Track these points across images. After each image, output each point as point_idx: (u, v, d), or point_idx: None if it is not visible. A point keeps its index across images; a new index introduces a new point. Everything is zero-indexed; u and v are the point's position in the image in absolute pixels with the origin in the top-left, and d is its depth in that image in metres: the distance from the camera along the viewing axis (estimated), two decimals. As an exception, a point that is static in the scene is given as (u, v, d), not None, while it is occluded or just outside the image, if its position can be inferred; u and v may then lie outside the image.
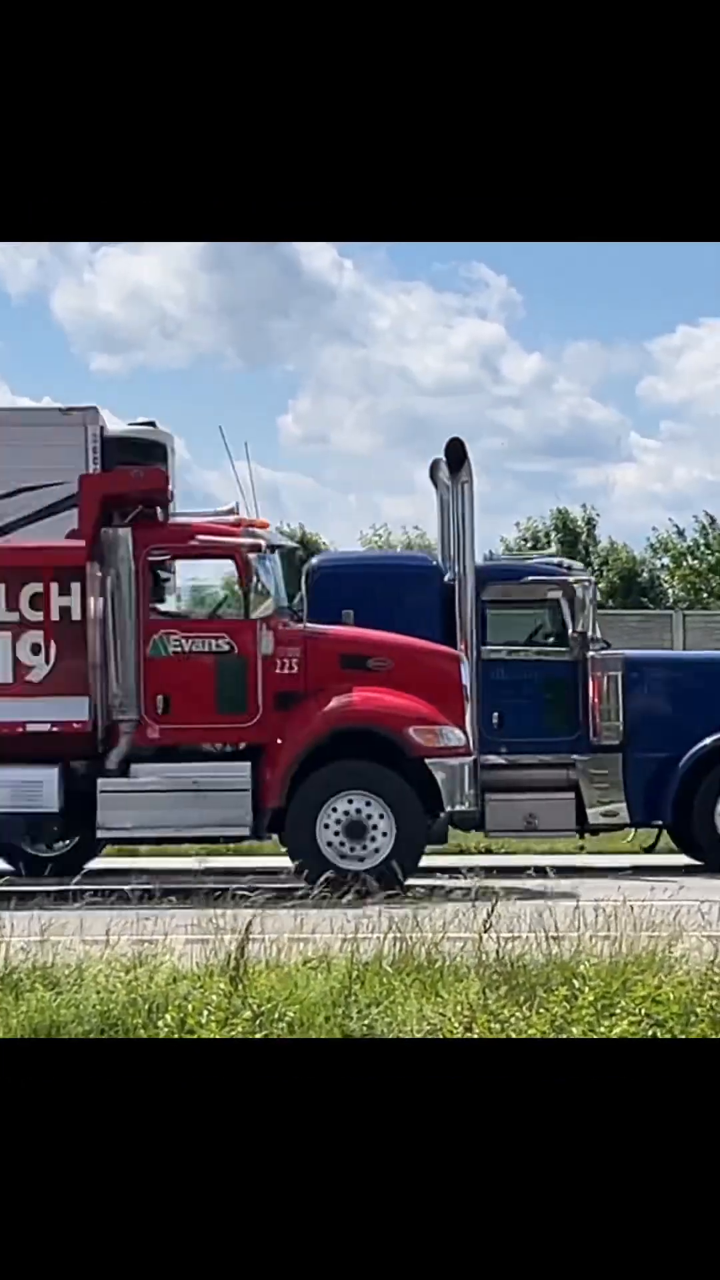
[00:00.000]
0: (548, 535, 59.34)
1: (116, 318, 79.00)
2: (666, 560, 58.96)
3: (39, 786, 16.17)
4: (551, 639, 19.12)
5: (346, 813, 16.37)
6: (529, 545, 58.19)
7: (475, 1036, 7.24)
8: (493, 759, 18.43)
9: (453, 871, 13.57)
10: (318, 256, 76.06)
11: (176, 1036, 7.59)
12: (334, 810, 16.34)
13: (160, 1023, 8.61)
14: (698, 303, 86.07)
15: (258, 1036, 8.30)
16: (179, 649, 16.59)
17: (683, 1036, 7.51)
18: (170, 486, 17.13)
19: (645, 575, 57.62)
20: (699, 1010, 8.22)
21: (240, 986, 9.36)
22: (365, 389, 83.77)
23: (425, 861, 16.85)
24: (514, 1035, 7.78)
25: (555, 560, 21.31)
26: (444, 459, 19.17)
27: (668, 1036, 7.45)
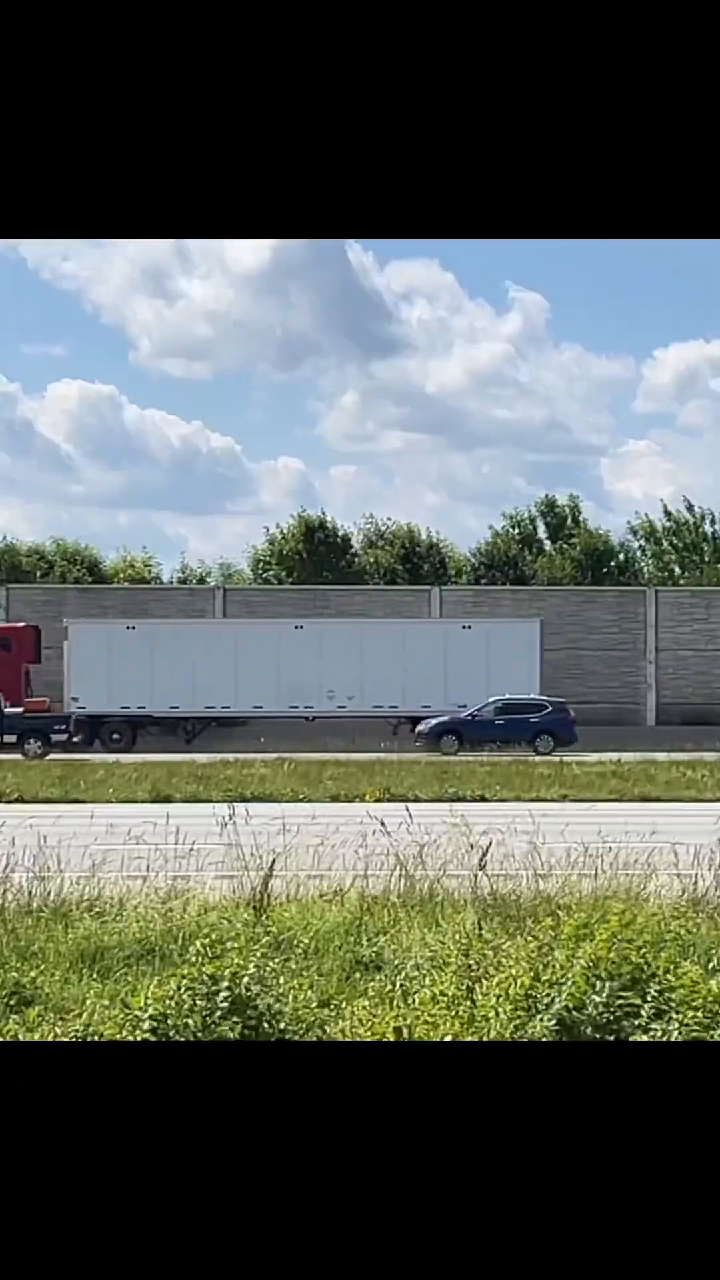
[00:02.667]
0: (533, 522, 59.21)
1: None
2: (643, 541, 58.84)
3: None
4: None
5: None
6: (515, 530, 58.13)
7: (475, 1040, 7.04)
8: None
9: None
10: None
11: (205, 963, 7.58)
12: None
13: (191, 949, 8.71)
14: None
15: (276, 961, 8.35)
16: None
17: (654, 963, 7.53)
18: None
19: (622, 556, 57.47)
20: (668, 937, 8.29)
21: (263, 916, 9.44)
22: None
23: (426, 806, 16.92)
24: (506, 961, 7.81)
25: None
26: None
27: (641, 961, 7.46)
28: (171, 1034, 7.08)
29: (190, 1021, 7.13)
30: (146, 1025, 7.07)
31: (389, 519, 57.81)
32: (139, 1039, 7.03)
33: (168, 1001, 7.21)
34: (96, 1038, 7.07)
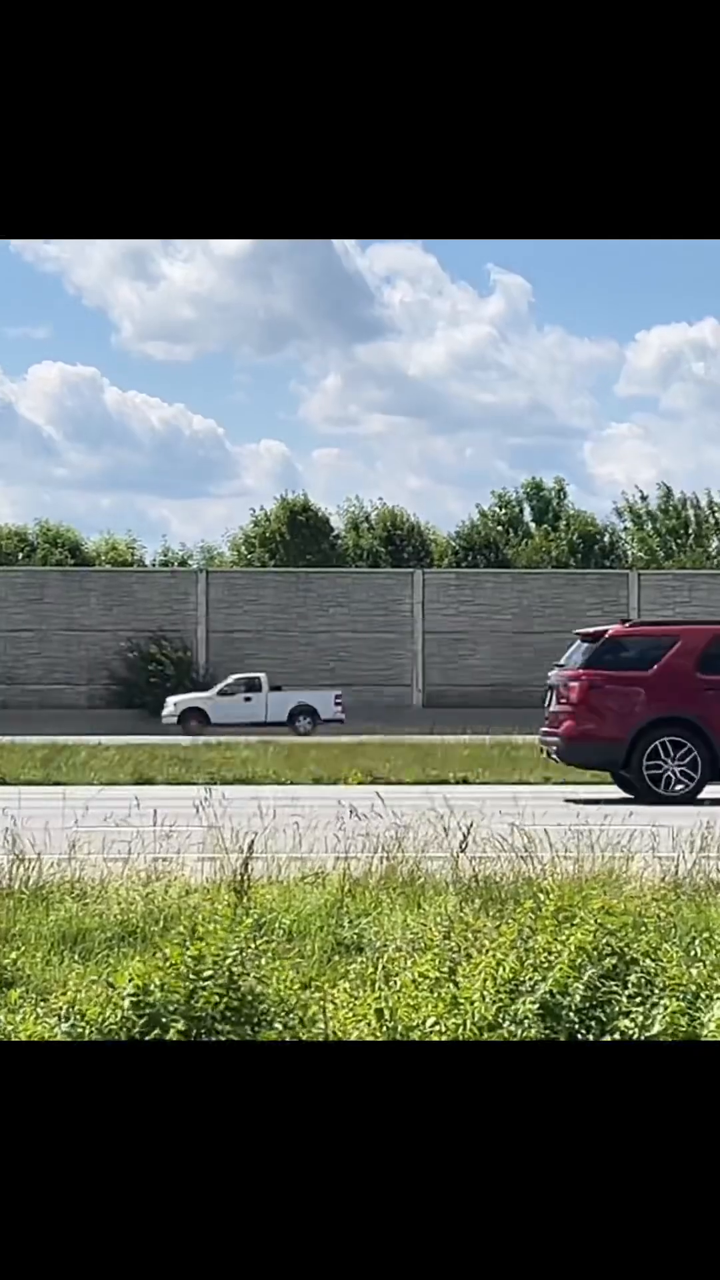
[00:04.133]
0: (519, 504, 59.33)
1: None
2: (629, 523, 58.98)
3: None
4: None
5: None
6: (501, 511, 58.22)
7: (465, 1040, 7.04)
8: None
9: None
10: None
11: (189, 943, 7.59)
12: None
13: (173, 931, 8.68)
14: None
15: (258, 944, 8.34)
16: None
17: (635, 946, 7.56)
18: None
19: (607, 539, 57.57)
20: (648, 921, 8.29)
21: (245, 898, 9.42)
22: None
23: (412, 790, 16.91)
24: (487, 943, 7.82)
25: None
26: None
27: (621, 946, 7.49)
28: (155, 1014, 7.06)
29: (173, 999, 7.11)
30: (127, 1005, 7.04)
31: (380, 499, 57.86)
32: (121, 1018, 7.01)
33: (151, 978, 7.18)
34: (79, 1017, 7.04)
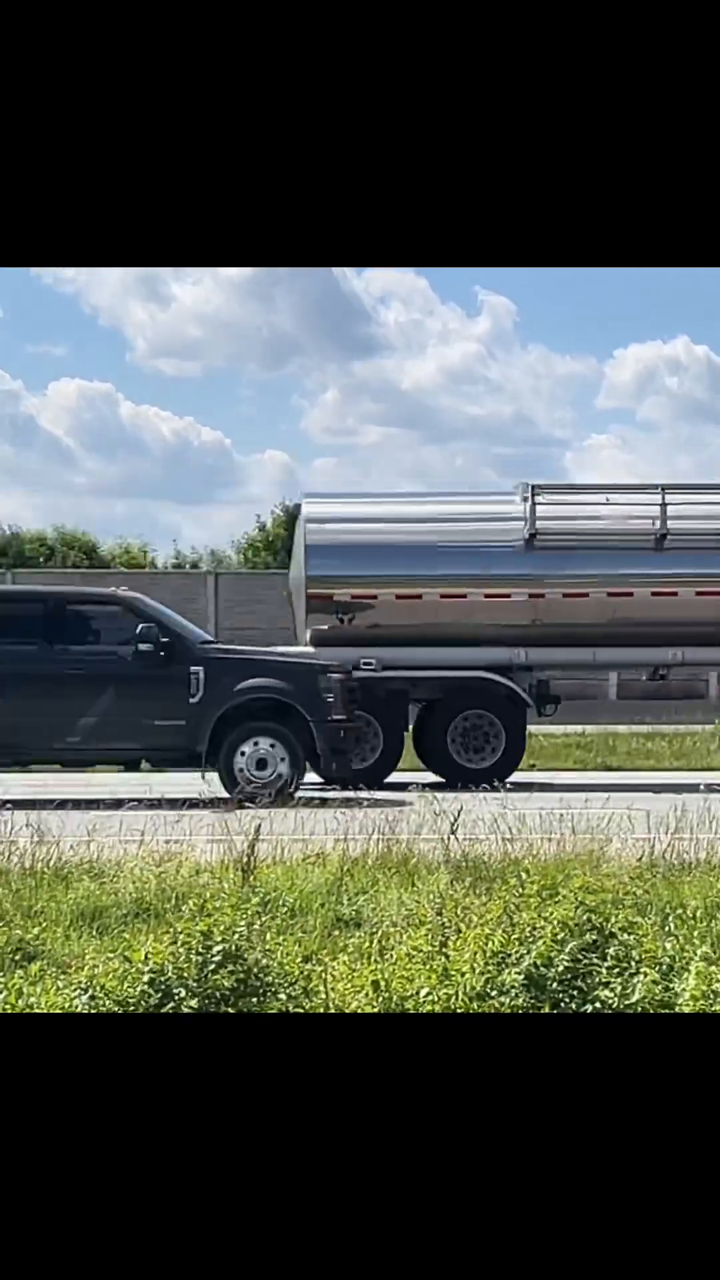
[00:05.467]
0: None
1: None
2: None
3: None
4: None
5: None
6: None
7: (456, 1011, 7.17)
8: None
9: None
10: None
11: (199, 920, 7.82)
12: None
13: (184, 907, 8.88)
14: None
15: (263, 920, 8.54)
16: None
17: (612, 922, 7.75)
18: None
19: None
20: (626, 899, 8.56)
21: (250, 878, 9.68)
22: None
23: (398, 775, 17.06)
24: (475, 918, 8.01)
25: None
26: None
27: (600, 921, 7.68)
28: (170, 985, 7.34)
29: (185, 971, 7.40)
30: (147, 978, 7.33)
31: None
32: (139, 991, 7.28)
33: (165, 954, 7.47)
34: (99, 989, 7.29)
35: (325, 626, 21.04)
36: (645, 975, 7.38)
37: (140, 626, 17.03)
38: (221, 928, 8.41)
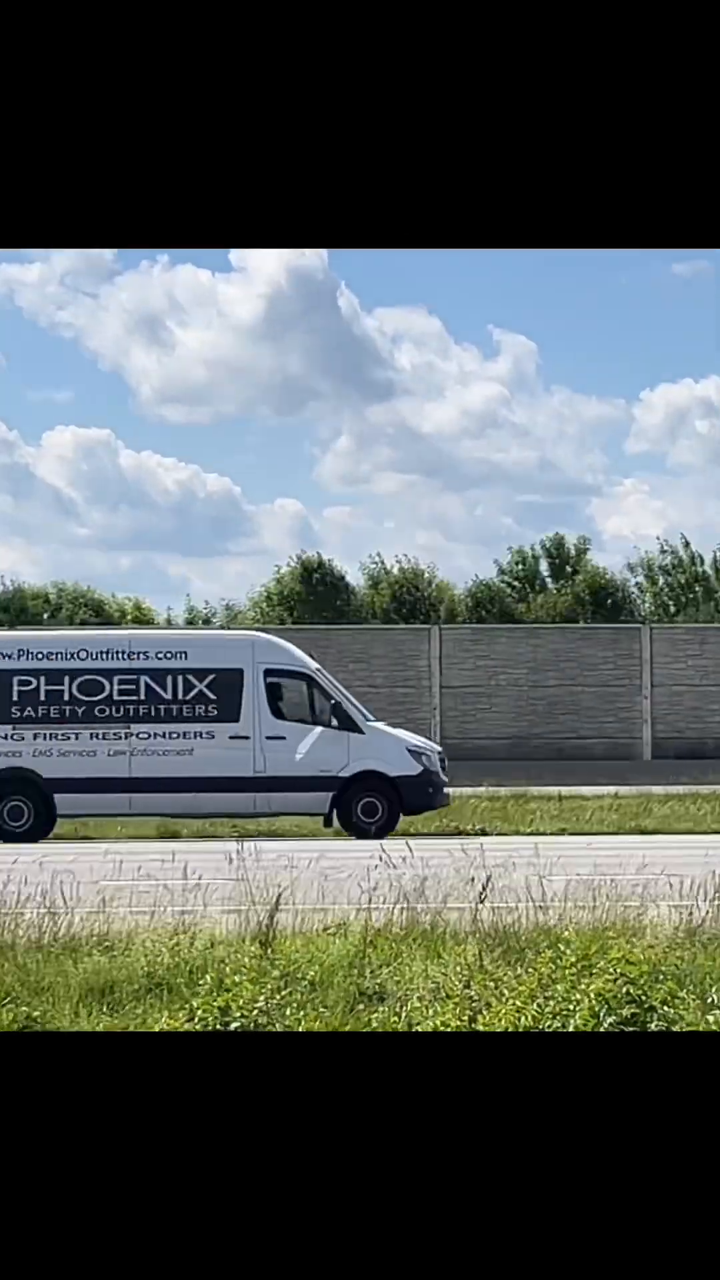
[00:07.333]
0: (537, 560, 59.20)
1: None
2: (641, 577, 58.86)
3: None
4: None
5: None
6: (520, 567, 58.26)
7: (468, 1030, 7.03)
8: None
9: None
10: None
11: (216, 995, 7.58)
12: None
13: (200, 983, 8.65)
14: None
15: (283, 994, 8.32)
16: None
17: (652, 995, 7.52)
18: None
19: (620, 594, 57.36)
20: (664, 970, 8.25)
21: (269, 950, 9.39)
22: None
23: (427, 841, 16.82)
24: (507, 992, 7.78)
25: None
26: None
27: (639, 994, 7.45)
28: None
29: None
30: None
31: (407, 555, 57.74)
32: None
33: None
34: None
35: None
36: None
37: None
38: (240, 1002, 8.11)
